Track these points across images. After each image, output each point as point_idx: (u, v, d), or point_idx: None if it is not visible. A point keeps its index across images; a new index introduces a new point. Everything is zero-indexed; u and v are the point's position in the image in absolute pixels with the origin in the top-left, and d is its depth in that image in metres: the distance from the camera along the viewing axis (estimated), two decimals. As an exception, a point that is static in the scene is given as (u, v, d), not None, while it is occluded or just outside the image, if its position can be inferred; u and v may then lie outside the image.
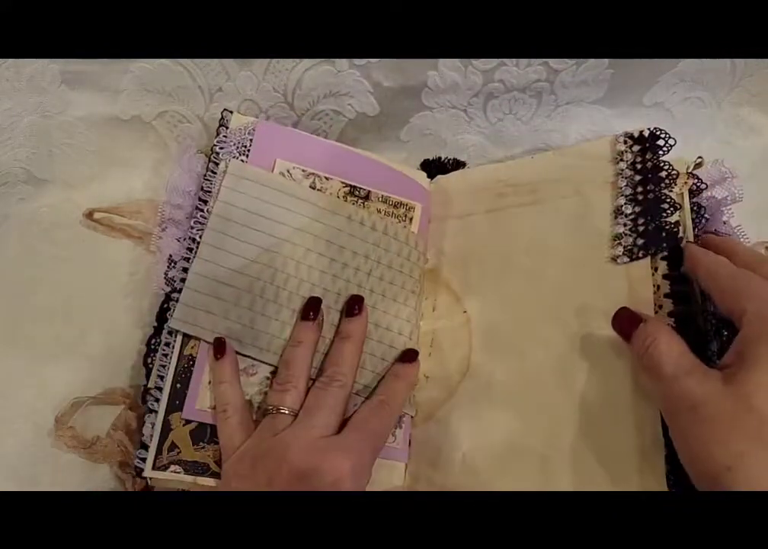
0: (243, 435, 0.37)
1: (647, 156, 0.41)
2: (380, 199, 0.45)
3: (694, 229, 0.39)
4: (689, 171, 0.40)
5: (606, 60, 0.45)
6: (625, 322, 0.34)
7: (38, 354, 0.44)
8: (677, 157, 0.41)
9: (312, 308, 0.40)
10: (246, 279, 0.40)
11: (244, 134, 0.44)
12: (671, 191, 0.39)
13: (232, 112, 0.44)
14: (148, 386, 0.39)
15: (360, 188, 0.45)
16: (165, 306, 0.41)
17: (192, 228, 0.41)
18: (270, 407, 0.37)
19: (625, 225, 0.40)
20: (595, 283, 0.39)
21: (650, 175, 0.40)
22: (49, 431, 0.41)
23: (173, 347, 0.39)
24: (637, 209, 0.40)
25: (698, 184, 0.40)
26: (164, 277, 0.41)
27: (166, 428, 0.38)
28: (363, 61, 0.45)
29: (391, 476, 0.40)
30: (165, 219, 0.43)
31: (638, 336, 0.33)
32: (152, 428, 0.38)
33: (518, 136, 0.51)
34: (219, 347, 0.38)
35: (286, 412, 0.37)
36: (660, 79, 0.48)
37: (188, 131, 0.49)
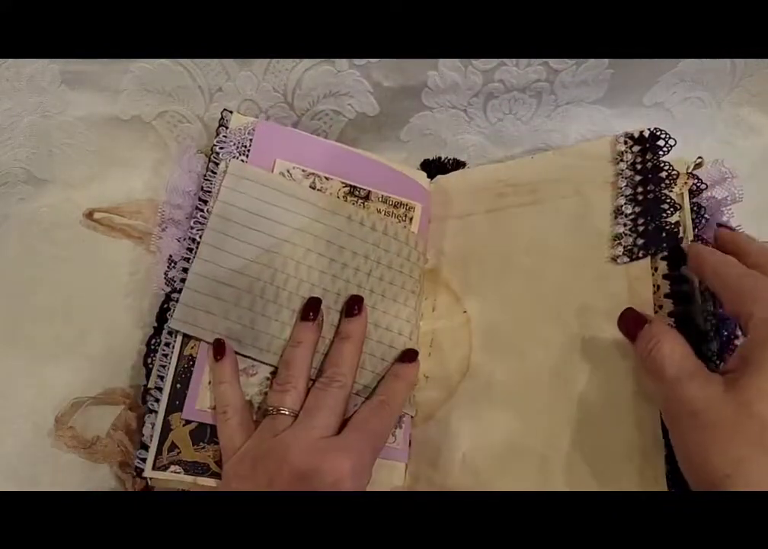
0: (243, 436, 0.37)
1: (647, 156, 0.41)
2: (380, 199, 0.45)
3: (694, 229, 0.39)
4: (689, 171, 0.40)
5: (606, 60, 0.45)
6: (631, 322, 0.34)
7: (38, 354, 0.44)
8: (677, 157, 0.41)
9: (311, 308, 0.40)
10: (246, 279, 0.40)
11: (244, 134, 0.44)
12: (671, 191, 0.39)
13: (231, 112, 0.44)
14: (148, 386, 0.39)
15: (360, 188, 0.45)
16: (165, 306, 0.41)
17: (192, 228, 0.41)
18: (270, 408, 0.37)
19: (625, 225, 0.40)
20: (595, 283, 0.39)
21: (650, 175, 0.40)
22: (49, 431, 0.41)
23: (173, 347, 0.39)
24: (637, 209, 0.40)
25: (698, 184, 0.40)
26: (164, 278, 0.41)
27: (166, 429, 0.38)
28: (363, 61, 0.45)
29: (391, 476, 0.40)
30: (165, 219, 0.43)
31: (641, 337, 0.33)
32: (152, 428, 0.38)
33: (518, 136, 0.51)
34: (219, 348, 0.38)
35: (286, 412, 0.37)
36: (660, 79, 0.48)
37: (188, 131, 0.49)
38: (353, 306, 0.41)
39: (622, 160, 0.42)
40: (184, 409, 0.38)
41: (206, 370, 0.39)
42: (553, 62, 0.45)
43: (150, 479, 0.37)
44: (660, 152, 0.41)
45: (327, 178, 0.44)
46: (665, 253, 0.38)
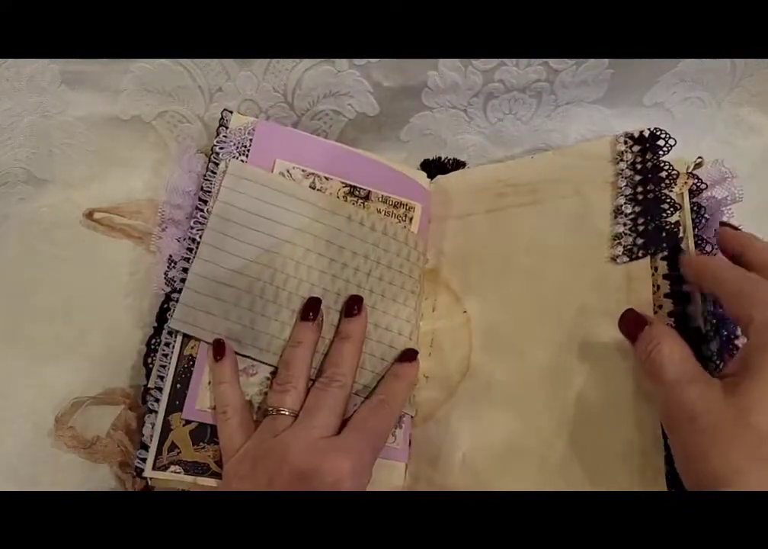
0: (243, 436, 0.37)
1: (647, 156, 0.41)
2: (380, 199, 0.45)
3: (694, 229, 0.39)
4: (689, 171, 0.40)
5: (606, 60, 0.45)
6: (631, 323, 0.34)
7: (38, 354, 0.44)
8: (677, 157, 0.41)
9: (311, 308, 0.40)
10: (246, 279, 0.40)
11: (244, 134, 0.44)
12: (671, 191, 0.39)
13: (231, 112, 0.44)
14: (148, 386, 0.39)
15: (360, 188, 0.45)
16: (165, 306, 0.41)
17: (192, 228, 0.41)
18: (270, 408, 0.37)
19: (624, 225, 0.40)
20: (595, 283, 0.39)
21: (650, 175, 0.40)
22: (49, 431, 0.41)
23: (173, 347, 0.39)
24: (637, 209, 0.40)
25: (698, 184, 0.40)
26: (164, 278, 0.41)
27: (166, 429, 0.38)
28: (363, 61, 0.45)
29: (391, 476, 0.40)
30: (165, 220, 0.43)
31: (641, 339, 0.33)
32: (152, 428, 0.38)
33: (518, 136, 0.51)
34: (218, 348, 0.38)
35: (286, 413, 0.37)
36: (660, 79, 0.48)
37: (188, 131, 0.49)
38: (353, 306, 0.41)
39: (622, 160, 0.42)
40: (183, 409, 0.38)
41: (206, 370, 0.39)
42: (553, 62, 0.45)
43: (150, 479, 0.37)
44: (660, 152, 0.41)
45: (327, 178, 0.44)
46: (665, 253, 0.38)
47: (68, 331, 0.45)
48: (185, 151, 0.45)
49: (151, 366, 0.40)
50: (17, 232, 0.48)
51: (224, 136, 0.43)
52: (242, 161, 0.43)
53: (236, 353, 0.39)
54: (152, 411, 0.38)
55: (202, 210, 0.41)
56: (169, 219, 0.43)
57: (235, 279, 0.40)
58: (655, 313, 0.36)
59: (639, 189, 0.40)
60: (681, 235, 0.38)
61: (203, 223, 0.41)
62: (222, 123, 0.44)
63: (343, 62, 0.45)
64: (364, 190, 0.45)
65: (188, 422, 0.38)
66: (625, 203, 0.40)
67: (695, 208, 0.40)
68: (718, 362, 0.35)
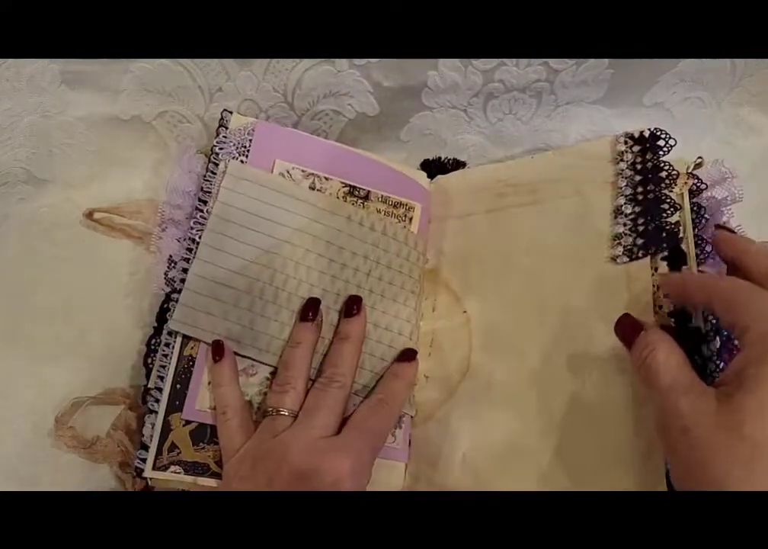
0: (243, 437, 0.37)
1: (647, 156, 0.41)
2: (380, 199, 0.45)
3: (694, 229, 0.39)
4: (689, 171, 0.40)
5: (606, 60, 0.45)
6: (627, 329, 0.34)
7: (38, 354, 0.44)
8: (677, 157, 0.41)
9: (310, 309, 0.40)
10: (245, 280, 0.40)
11: (244, 134, 0.44)
12: (671, 191, 0.39)
13: (231, 112, 0.44)
14: (149, 386, 0.39)
15: (360, 188, 0.45)
16: (165, 306, 0.41)
17: (192, 228, 0.41)
18: (270, 409, 0.37)
19: (625, 225, 0.40)
20: (595, 283, 0.39)
21: (650, 175, 0.40)
22: (49, 431, 0.41)
23: (173, 347, 0.39)
24: (637, 209, 0.40)
25: (698, 184, 0.40)
26: (164, 278, 0.41)
27: (166, 429, 0.38)
28: (363, 61, 0.45)
29: (391, 476, 0.40)
30: (165, 220, 0.43)
31: (637, 345, 0.33)
32: (152, 428, 0.38)
33: (518, 136, 0.51)
34: (217, 349, 0.38)
35: (286, 413, 0.37)
36: (660, 79, 0.48)
37: (188, 131, 0.49)
38: (352, 306, 0.41)
39: (622, 160, 0.42)
40: (183, 410, 0.38)
41: (206, 370, 0.39)
42: (553, 62, 0.45)
43: (150, 479, 0.38)
44: (661, 152, 0.41)
45: (326, 178, 0.44)
46: (665, 253, 0.38)
47: (68, 331, 0.45)
48: (185, 151, 0.45)
49: (151, 366, 0.40)
50: (17, 232, 0.48)
51: (224, 137, 0.43)
52: (242, 161, 0.43)
53: (236, 353, 0.39)
54: (152, 411, 0.38)
55: (202, 211, 0.41)
56: (169, 220, 0.43)
57: (235, 280, 0.40)
58: (655, 313, 0.36)
59: (639, 189, 0.40)
60: (681, 235, 0.38)
61: (203, 224, 0.41)
62: (222, 124, 0.44)
63: (343, 62, 0.45)
64: (364, 190, 0.45)
65: (188, 422, 0.38)
66: (625, 203, 0.40)
67: (695, 208, 0.40)
68: (717, 362, 0.35)
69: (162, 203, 0.44)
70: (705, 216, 0.39)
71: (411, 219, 0.46)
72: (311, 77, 0.46)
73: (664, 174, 0.40)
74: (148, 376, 0.40)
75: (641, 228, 0.39)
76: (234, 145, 0.43)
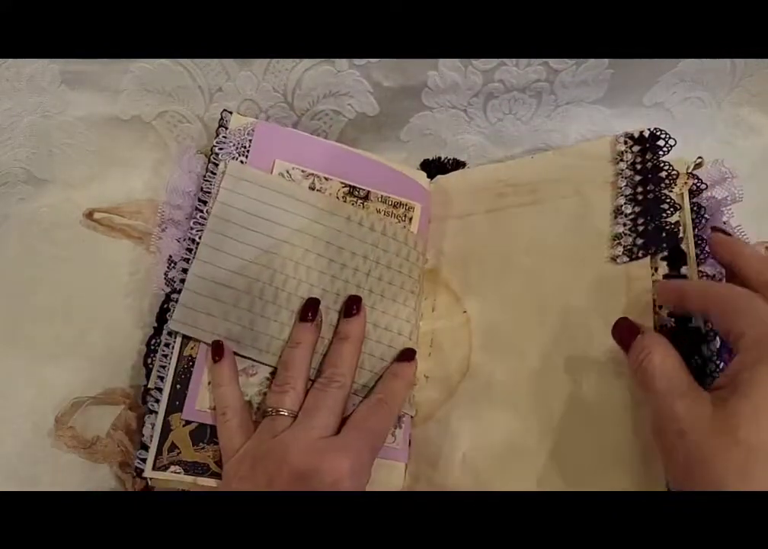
0: (243, 437, 0.37)
1: (647, 156, 0.41)
2: (380, 199, 0.45)
3: (694, 229, 0.39)
4: (689, 171, 0.40)
5: (606, 60, 0.45)
6: (624, 332, 0.34)
7: (38, 354, 0.44)
8: (677, 157, 0.41)
9: (310, 309, 0.40)
10: (245, 280, 0.40)
11: (244, 135, 0.44)
12: (671, 191, 0.39)
13: (231, 113, 0.44)
14: (148, 386, 0.39)
15: (360, 188, 0.45)
16: (165, 306, 0.41)
17: (191, 229, 0.41)
18: (269, 409, 0.37)
19: (624, 225, 0.40)
20: (595, 283, 0.39)
21: (650, 175, 0.40)
22: (49, 431, 0.41)
23: (173, 348, 0.39)
24: (637, 209, 0.40)
25: (698, 184, 0.40)
26: (164, 278, 0.41)
27: (166, 429, 0.38)
28: (363, 61, 0.45)
29: (391, 476, 0.40)
30: (165, 220, 0.43)
31: (633, 348, 0.33)
32: (152, 428, 0.38)
33: (518, 136, 0.51)
34: (217, 349, 0.38)
35: (285, 413, 0.37)
36: (660, 79, 0.48)
37: (188, 131, 0.49)
38: (352, 306, 0.41)
39: (622, 160, 0.42)
40: (183, 410, 0.38)
41: (206, 370, 0.39)
42: (553, 62, 0.45)
43: (150, 479, 0.38)
44: (660, 152, 0.41)
45: (326, 179, 0.44)
46: (665, 253, 0.38)
47: (68, 331, 0.45)
48: (185, 151, 0.45)
49: (151, 366, 0.40)
50: (17, 232, 0.48)
51: (223, 137, 0.43)
52: (242, 162, 0.43)
53: (236, 354, 0.39)
54: (152, 411, 0.38)
55: (201, 211, 0.41)
56: (169, 220, 0.43)
57: (234, 280, 0.40)
58: (655, 313, 0.36)
59: (639, 189, 0.40)
60: (681, 235, 0.38)
61: (203, 224, 0.41)
62: (222, 124, 0.44)
63: (343, 62, 0.45)
64: (364, 190, 0.45)
65: (188, 422, 0.38)
66: (625, 203, 0.40)
67: (695, 208, 0.39)
68: (717, 362, 0.35)
69: (162, 204, 0.44)
70: (705, 216, 0.39)
71: (410, 219, 0.46)
72: (311, 77, 0.46)
73: (663, 174, 0.40)
74: (148, 376, 0.40)
75: (641, 228, 0.39)
76: (234, 145, 0.43)
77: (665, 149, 0.41)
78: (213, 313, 0.39)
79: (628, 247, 0.39)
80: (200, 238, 0.40)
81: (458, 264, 0.45)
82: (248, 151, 0.43)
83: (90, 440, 0.40)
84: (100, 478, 0.41)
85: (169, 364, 0.39)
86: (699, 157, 0.40)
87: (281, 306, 0.40)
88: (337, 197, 0.44)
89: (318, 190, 0.44)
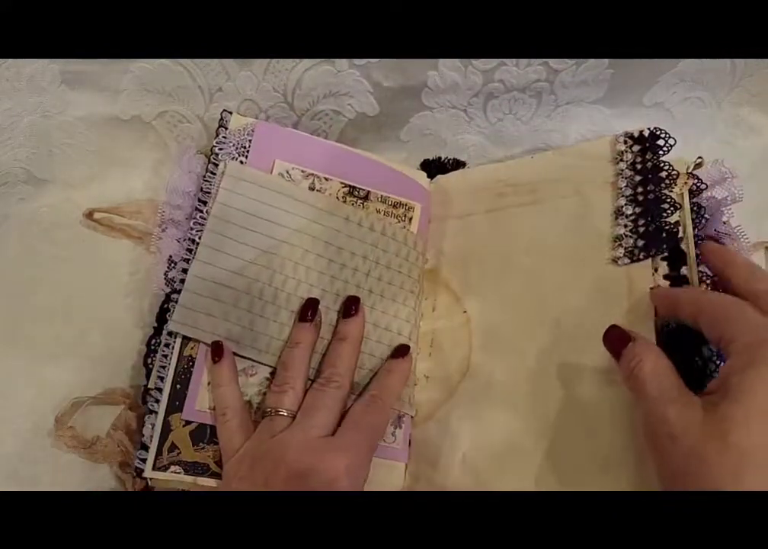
0: (242, 437, 0.37)
1: (647, 156, 0.41)
2: (379, 199, 0.45)
3: (694, 229, 0.39)
4: (689, 171, 0.40)
5: (606, 60, 0.45)
6: (615, 340, 0.34)
7: (38, 354, 0.44)
8: (677, 157, 0.41)
9: (309, 309, 0.40)
10: (244, 281, 0.40)
11: (244, 135, 0.44)
12: (671, 191, 0.39)
13: (231, 113, 0.44)
14: (148, 386, 0.39)
15: (360, 189, 0.45)
16: (165, 306, 0.41)
17: (191, 229, 0.41)
18: (269, 409, 0.37)
19: (625, 226, 0.40)
20: (595, 283, 0.39)
21: (650, 175, 0.40)
22: (49, 431, 0.41)
23: (173, 348, 0.39)
24: (637, 210, 0.40)
25: (698, 184, 0.40)
26: (164, 278, 0.41)
27: (166, 429, 0.38)
28: (363, 61, 0.45)
29: (391, 476, 0.40)
30: (165, 220, 0.43)
31: (624, 356, 0.33)
32: (152, 428, 0.38)
33: (518, 136, 0.51)
34: (217, 350, 0.38)
35: (284, 413, 0.37)
36: (660, 79, 0.48)
37: (188, 131, 0.49)
38: (350, 306, 0.41)
39: (622, 160, 0.42)
40: (183, 410, 0.38)
41: (206, 370, 0.39)
42: (553, 62, 0.45)
43: (150, 479, 0.38)
44: (660, 152, 0.41)
45: (326, 179, 0.44)
46: (665, 254, 0.38)
47: (68, 331, 0.45)
48: (185, 151, 0.45)
49: (151, 366, 0.40)
50: (17, 232, 0.48)
51: (223, 137, 0.43)
52: (241, 162, 0.43)
53: (235, 354, 0.39)
54: (152, 411, 0.38)
55: (201, 211, 0.41)
56: (169, 220, 0.43)
57: (234, 280, 0.40)
58: (655, 314, 0.36)
59: (639, 190, 0.40)
60: (681, 235, 0.38)
61: (203, 224, 0.41)
62: (222, 124, 0.44)
63: (343, 62, 0.45)
64: (364, 190, 0.45)
65: (188, 422, 0.38)
66: (626, 204, 0.40)
67: (695, 208, 0.39)
68: (717, 362, 0.35)
69: (162, 204, 0.44)
70: (705, 216, 0.39)
71: (410, 219, 0.46)
72: (311, 77, 0.46)
73: (663, 174, 0.40)
74: (148, 376, 0.40)
75: (641, 229, 0.39)
76: (233, 145, 0.43)
77: (665, 148, 0.41)
78: (213, 313, 0.39)
79: (629, 249, 0.39)
80: (199, 238, 0.40)
81: (458, 264, 0.45)
82: (247, 151, 0.43)
83: (90, 440, 0.40)
84: (100, 478, 0.41)
85: (169, 364, 0.39)
86: (699, 157, 0.40)
87: (281, 306, 0.40)
88: (337, 197, 0.44)
89: (317, 190, 0.44)
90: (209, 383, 0.39)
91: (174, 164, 0.46)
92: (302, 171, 0.44)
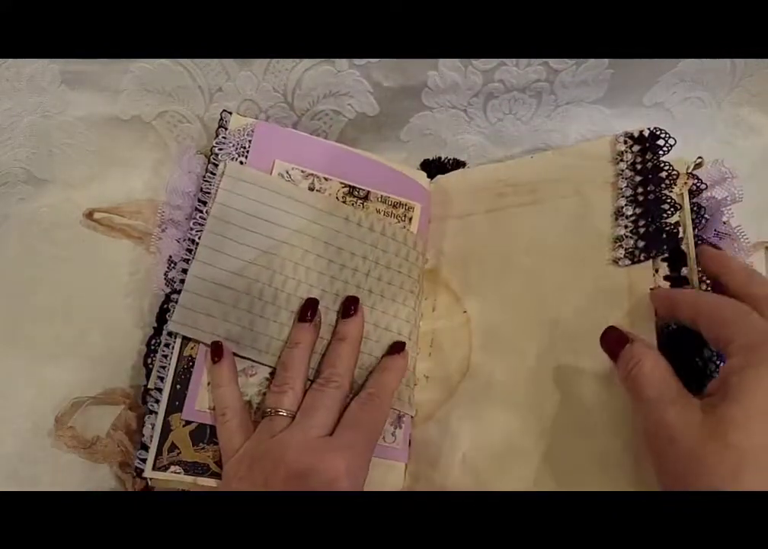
0: (242, 437, 0.37)
1: (647, 156, 0.41)
2: (379, 199, 0.45)
3: (694, 229, 0.39)
4: (689, 171, 0.40)
5: (606, 60, 0.45)
6: (612, 341, 0.34)
7: (38, 354, 0.44)
8: (677, 157, 0.41)
9: (309, 309, 0.40)
10: (244, 281, 0.40)
11: (243, 135, 0.44)
12: (671, 191, 0.39)
13: (231, 113, 0.44)
14: (148, 386, 0.39)
15: (360, 189, 0.45)
16: (165, 306, 0.41)
17: (191, 229, 0.41)
18: (268, 409, 0.37)
19: (626, 226, 0.39)
20: (595, 283, 0.39)
21: (650, 176, 0.40)
22: (49, 431, 0.41)
23: (173, 348, 0.39)
24: (638, 210, 0.40)
25: (698, 184, 0.40)
26: (164, 278, 0.41)
27: (166, 429, 0.38)
28: (363, 61, 0.45)
29: (391, 476, 0.40)
30: (165, 220, 0.43)
31: (622, 357, 0.33)
32: (152, 428, 0.38)
33: (518, 136, 0.51)
34: (216, 350, 0.38)
35: (284, 413, 0.37)
36: (660, 79, 0.48)
37: (188, 131, 0.49)
38: (350, 306, 0.41)
39: (622, 160, 0.42)
40: (183, 410, 0.38)
41: (206, 371, 0.39)
42: (553, 62, 0.45)
43: (150, 479, 0.38)
44: (660, 152, 0.41)
45: (326, 179, 0.44)
46: (666, 254, 0.38)
47: (68, 331, 0.45)
48: (185, 151, 0.45)
49: (151, 366, 0.40)
50: (17, 232, 0.48)
51: (223, 137, 0.43)
52: (241, 162, 0.43)
53: (235, 354, 0.39)
54: (151, 411, 0.38)
55: (201, 211, 0.41)
56: (169, 220, 0.43)
57: (234, 281, 0.40)
58: (656, 314, 0.36)
59: (639, 190, 0.40)
60: (681, 235, 0.38)
61: (202, 225, 0.41)
62: (222, 125, 0.44)
63: (343, 62, 0.45)
64: (363, 190, 0.45)
65: (188, 422, 0.38)
66: (626, 204, 0.40)
67: (695, 208, 0.39)
68: (718, 362, 0.35)
69: (162, 204, 0.44)
70: (705, 216, 0.39)
71: (410, 219, 0.46)
72: (311, 77, 0.46)
73: (664, 174, 0.40)
74: (148, 376, 0.40)
75: (642, 230, 0.39)
76: (233, 145, 0.43)
77: (665, 148, 0.41)
78: (213, 313, 0.39)
79: (630, 250, 0.39)
80: (199, 238, 0.40)
81: (458, 264, 0.45)
82: (247, 151, 0.43)
83: (90, 440, 0.40)
84: (100, 478, 0.41)
85: (169, 364, 0.39)
86: (699, 157, 0.40)
87: (280, 306, 0.40)
88: (337, 198, 0.44)
89: (317, 190, 0.44)
90: (209, 384, 0.39)
91: (174, 164, 0.46)
92: (302, 172, 0.44)
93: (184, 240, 0.42)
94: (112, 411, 0.41)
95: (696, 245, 0.38)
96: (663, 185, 0.39)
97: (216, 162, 0.43)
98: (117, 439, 0.40)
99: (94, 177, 0.50)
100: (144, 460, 0.37)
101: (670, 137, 0.41)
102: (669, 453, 0.29)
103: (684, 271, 0.37)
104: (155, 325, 0.42)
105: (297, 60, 0.45)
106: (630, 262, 0.38)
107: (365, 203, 0.45)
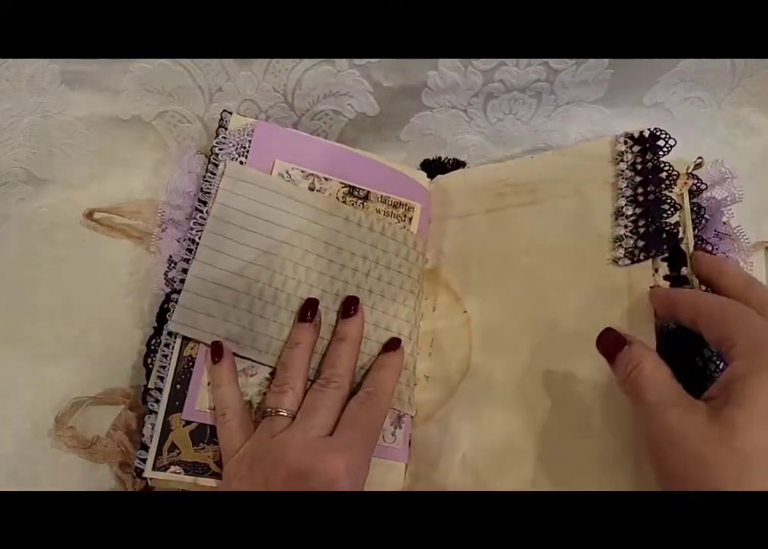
0: (242, 438, 0.37)
1: (647, 157, 0.41)
2: (379, 199, 0.45)
3: (694, 229, 0.39)
4: (689, 171, 0.40)
5: (606, 60, 0.45)
6: (609, 343, 0.33)
7: (38, 354, 0.44)
8: (677, 157, 0.41)
9: (309, 309, 0.40)
10: (244, 281, 0.40)
11: (243, 135, 0.44)
12: (671, 191, 0.39)
13: (231, 113, 0.44)
14: (148, 386, 0.39)
15: (360, 189, 0.45)
16: (165, 306, 0.41)
17: (191, 229, 0.41)
18: (268, 409, 0.37)
19: (626, 226, 0.39)
20: (595, 283, 0.39)
21: (650, 176, 0.40)
22: (49, 431, 0.41)
23: (173, 348, 0.39)
24: (638, 211, 0.40)
25: (698, 184, 0.40)
26: (164, 278, 0.41)
27: (166, 429, 0.38)
28: (363, 61, 0.45)
29: (391, 476, 0.40)
30: (165, 220, 0.43)
31: (621, 359, 0.32)
32: (152, 428, 0.38)
33: (518, 136, 0.51)
34: (216, 350, 0.38)
35: (284, 413, 0.37)
36: (660, 79, 0.48)
37: (188, 131, 0.49)
38: (350, 307, 0.41)
39: (622, 160, 0.42)
40: (183, 410, 0.38)
41: (206, 371, 0.39)
42: (553, 62, 0.45)
43: (150, 479, 0.38)
44: (660, 152, 0.41)
45: (326, 179, 0.44)
46: (665, 254, 0.38)
47: (68, 331, 0.45)
48: (185, 151, 0.45)
49: (151, 366, 0.40)
50: (17, 232, 0.48)
51: (223, 137, 0.43)
52: (241, 162, 0.43)
53: (235, 354, 0.39)
54: (152, 411, 0.38)
55: (201, 211, 0.41)
56: (169, 220, 0.43)
57: (234, 281, 0.40)
58: (656, 314, 0.36)
59: (639, 190, 0.40)
60: (681, 235, 0.38)
61: (203, 225, 0.41)
62: (222, 125, 0.44)
63: (343, 62, 0.45)
64: (363, 190, 0.45)
65: (188, 422, 0.38)
66: (626, 204, 0.40)
67: (695, 209, 0.39)
68: (717, 362, 0.35)
69: (162, 204, 0.44)
70: (705, 216, 0.39)
71: (410, 219, 0.46)
72: (311, 77, 0.46)
73: (664, 174, 0.40)
74: (148, 376, 0.40)
75: (641, 230, 0.39)
76: (233, 145, 0.43)
77: (665, 149, 0.41)
78: (213, 313, 0.39)
79: (630, 249, 0.39)
80: (199, 238, 0.40)
81: (458, 264, 0.45)
82: (247, 151, 0.43)
83: (90, 440, 0.40)
84: (100, 478, 0.41)
85: (169, 364, 0.39)
86: (699, 157, 0.40)
87: (280, 306, 0.40)
88: (337, 198, 0.44)
89: (317, 190, 0.44)
90: (209, 384, 0.39)
91: (174, 164, 0.46)
92: (302, 172, 0.44)
93: (184, 240, 0.42)
94: (112, 411, 0.41)
95: (696, 245, 0.38)
96: (663, 185, 0.39)
97: (216, 162, 0.43)
98: (117, 439, 0.40)
99: (94, 177, 0.50)
100: (144, 460, 0.37)
101: (670, 138, 0.41)
102: (671, 456, 0.29)
103: (684, 270, 0.37)
104: (155, 325, 0.42)
105: (297, 60, 0.45)
106: (630, 262, 0.38)
107: (365, 203, 0.45)
